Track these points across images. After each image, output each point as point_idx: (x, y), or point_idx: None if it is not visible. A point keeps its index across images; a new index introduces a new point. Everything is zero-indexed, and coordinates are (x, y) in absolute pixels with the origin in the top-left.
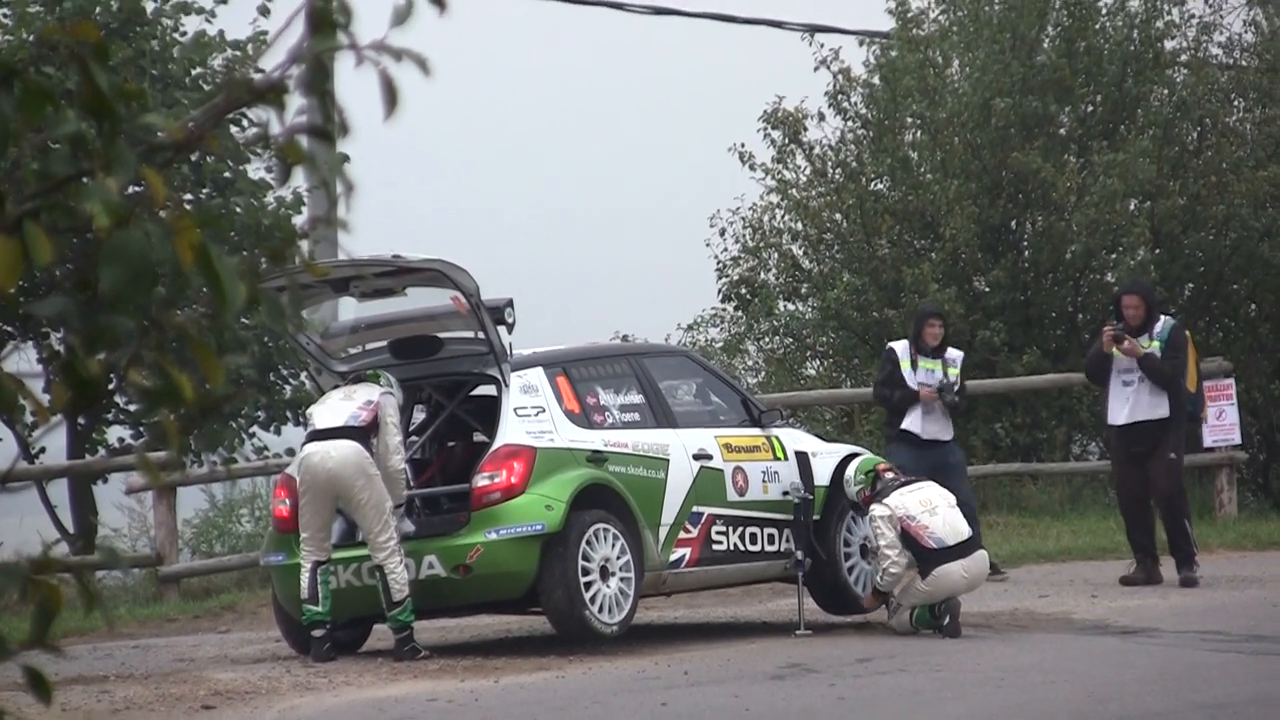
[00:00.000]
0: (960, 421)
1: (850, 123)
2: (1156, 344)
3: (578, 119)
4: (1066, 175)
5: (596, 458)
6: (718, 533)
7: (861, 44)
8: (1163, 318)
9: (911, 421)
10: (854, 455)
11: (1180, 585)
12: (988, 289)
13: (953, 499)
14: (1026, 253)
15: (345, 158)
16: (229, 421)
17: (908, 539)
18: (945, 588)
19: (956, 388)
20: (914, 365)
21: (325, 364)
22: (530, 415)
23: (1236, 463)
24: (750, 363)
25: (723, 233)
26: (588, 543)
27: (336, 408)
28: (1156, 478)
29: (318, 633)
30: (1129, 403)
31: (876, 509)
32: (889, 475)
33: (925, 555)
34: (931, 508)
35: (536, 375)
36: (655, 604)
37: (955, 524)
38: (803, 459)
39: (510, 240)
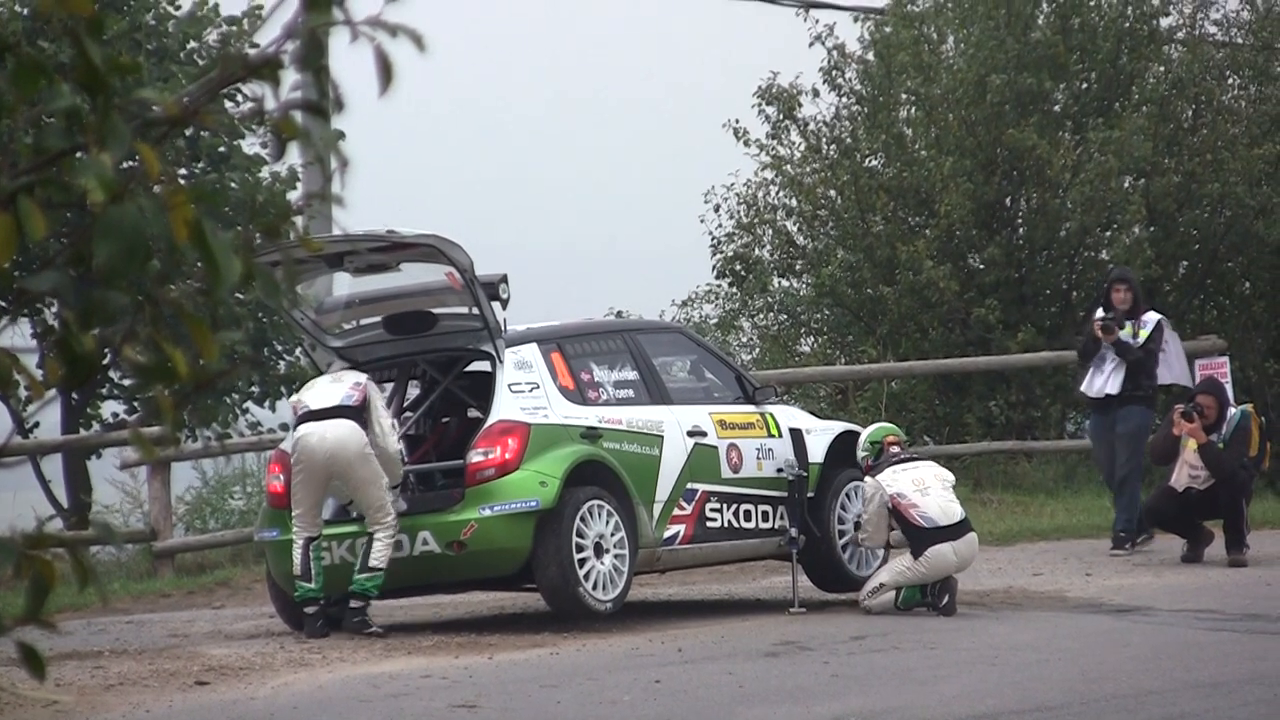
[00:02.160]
0: (961, 400)
1: (845, 99)
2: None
3: (572, 96)
4: (1061, 152)
5: (591, 434)
6: (712, 510)
7: (856, 20)
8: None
9: (1085, 384)
10: (848, 432)
11: (1229, 565)
12: (982, 266)
13: (949, 480)
14: (1021, 230)
15: (340, 133)
16: (223, 397)
17: (898, 517)
18: (937, 568)
19: (1138, 345)
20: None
21: (320, 339)
22: (524, 391)
23: None
24: (745, 339)
25: (717, 209)
26: (582, 519)
27: (327, 390)
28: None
29: (310, 609)
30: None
31: (868, 482)
32: (893, 449)
33: (916, 534)
34: (924, 487)
35: (531, 351)
36: (649, 581)
37: (947, 505)
38: (797, 436)
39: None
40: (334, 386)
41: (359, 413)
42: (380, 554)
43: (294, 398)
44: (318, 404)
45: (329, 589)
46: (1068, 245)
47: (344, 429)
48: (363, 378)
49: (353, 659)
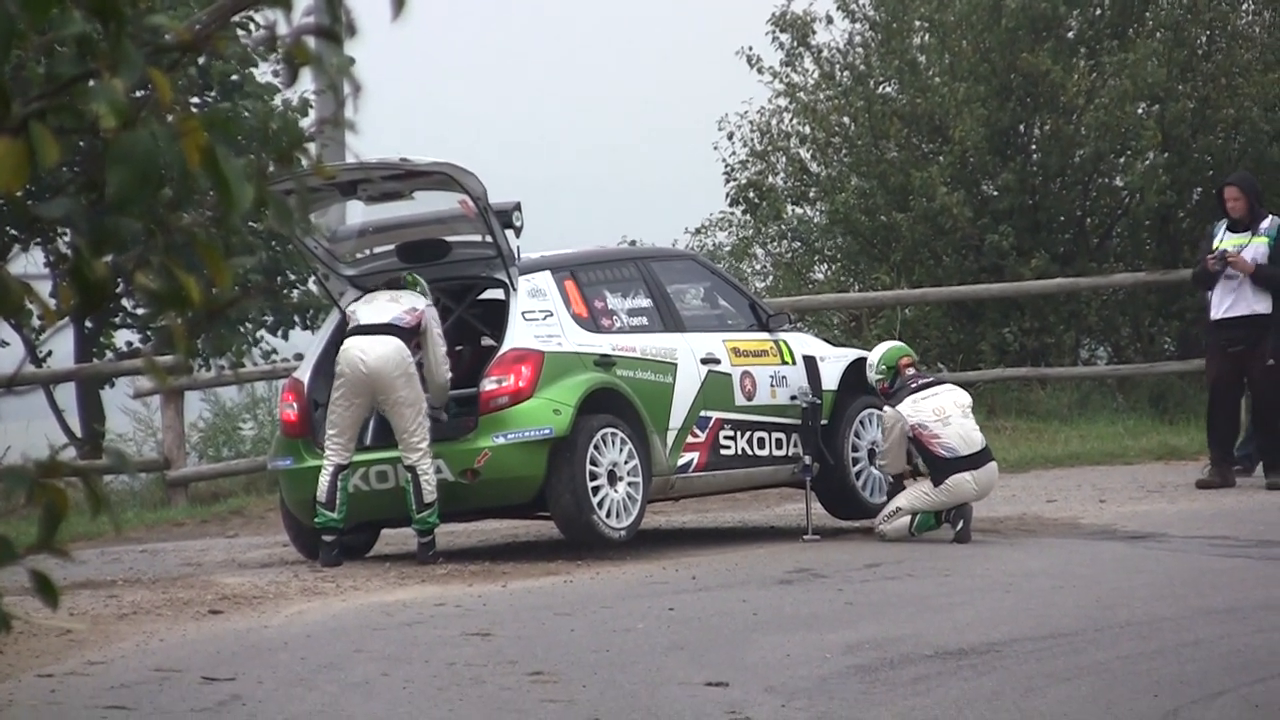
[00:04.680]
0: (975, 327)
1: (859, 25)
2: (1265, 239)
3: (586, 21)
4: (1076, 78)
5: (604, 362)
6: (725, 437)
7: None
8: (1270, 216)
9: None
10: (862, 359)
11: (1267, 489)
12: (996, 193)
13: (968, 404)
14: (1035, 156)
15: (352, 60)
16: (236, 325)
17: (919, 447)
18: (956, 496)
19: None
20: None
21: (333, 268)
22: (538, 319)
23: None
24: (758, 267)
25: (730, 136)
26: (595, 447)
27: (383, 307)
28: (1254, 381)
29: (328, 538)
30: (1231, 296)
31: (888, 412)
32: (910, 371)
33: (937, 463)
34: (944, 416)
35: (544, 279)
36: (663, 509)
37: (968, 433)
38: (811, 363)
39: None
40: (389, 305)
41: (408, 334)
42: (429, 485)
43: (349, 307)
44: (369, 319)
45: (349, 517)
46: (1082, 171)
47: (389, 346)
48: (422, 303)
49: (366, 587)
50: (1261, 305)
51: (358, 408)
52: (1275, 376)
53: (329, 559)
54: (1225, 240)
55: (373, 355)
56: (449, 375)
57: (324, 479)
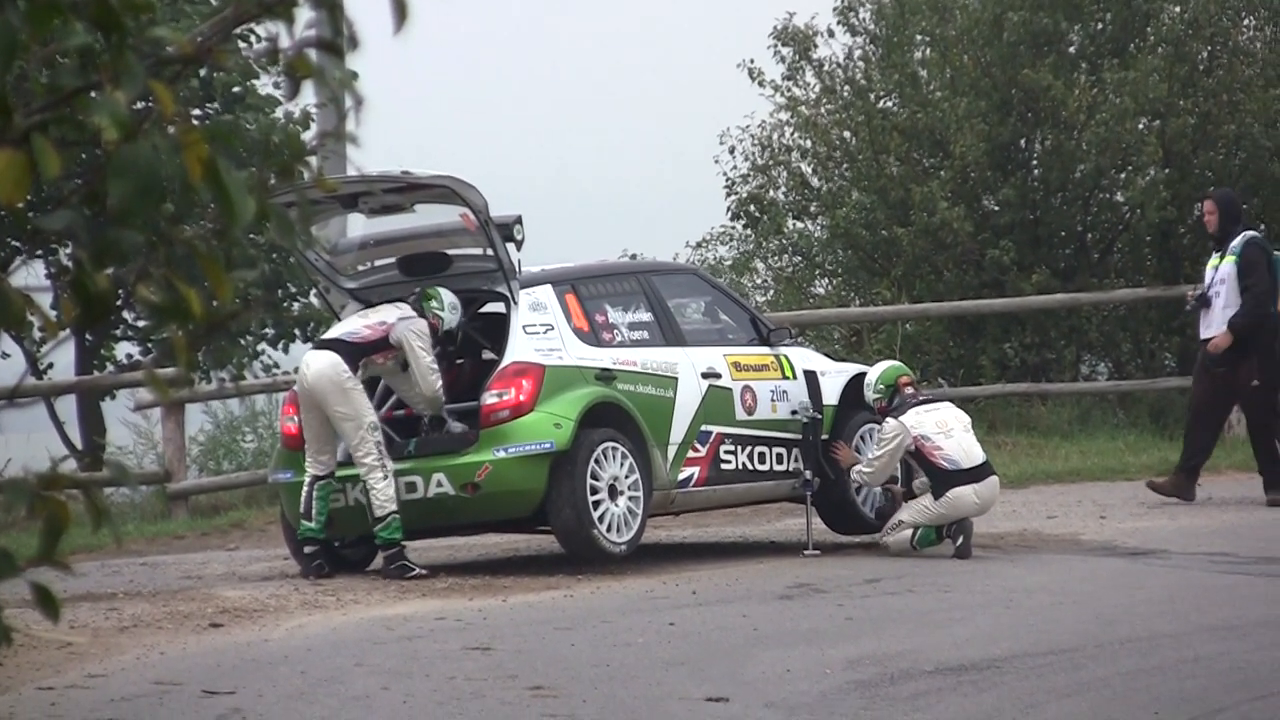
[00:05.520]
0: (976, 342)
1: (859, 39)
2: (1233, 258)
3: (587, 34)
4: (1077, 93)
5: (605, 376)
6: (726, 452)
7: None
8: (1243, 233)
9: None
10: (863, 375)
11: (1268, 505)
12: (997, 208)
13: (968, 422)
14: (1036, 171)
15: (354, 73)
16: (237, 338)
17: (921, 459)
18: (958, 509)
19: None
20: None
21: (334, 280)
22: (539, 333)
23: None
24: (759, 281)
25: (732, 150)
26: (596, 461)
27: (346, 323)
28: (1243, 403)
29: (309, 549)
30: (1208, 317)
31: (891, 423)
32: (908, 390)
33: (939, 476)
34: (947, 429)
35: (545, 293)
36: (663, 523)
37: (969, 447)
38: (811, 378)
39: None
40: (353, 320)
41: (357, 349)
42: (381, 500)
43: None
44: (330, 334)
45: (341, 531)
46: (1083, 187)
47: (324, 361)
48: (393, 317)
49: (367, 601)
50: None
51: (315, 420)
52: (1262, 397)
53: (309, 569)
54: (1209, 261)
55: (311, 370)
56: (437, 386)
57: (303, 490)
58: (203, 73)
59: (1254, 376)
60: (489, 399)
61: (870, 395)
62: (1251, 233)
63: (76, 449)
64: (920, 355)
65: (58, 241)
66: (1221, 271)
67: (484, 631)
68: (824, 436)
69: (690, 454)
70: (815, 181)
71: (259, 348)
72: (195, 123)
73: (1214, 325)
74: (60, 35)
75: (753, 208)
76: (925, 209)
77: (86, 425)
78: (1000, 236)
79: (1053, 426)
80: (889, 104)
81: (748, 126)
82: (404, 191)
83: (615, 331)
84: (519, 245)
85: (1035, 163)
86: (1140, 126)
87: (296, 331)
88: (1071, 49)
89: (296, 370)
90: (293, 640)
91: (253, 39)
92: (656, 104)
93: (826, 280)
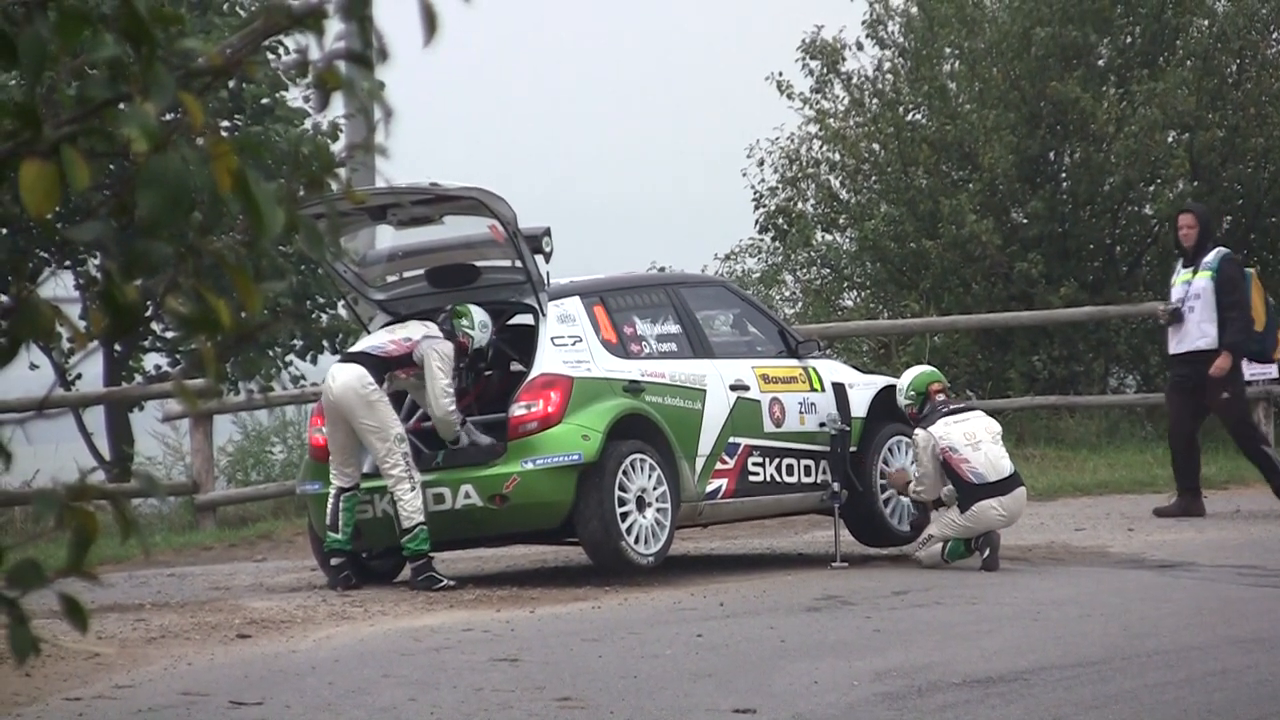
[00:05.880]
0: (1004, 355)
1: (888, 52)
2: (1208, 274)
3: (616, 46)
4: (1105, 106)
5: (633, 388)
6: (754, 464)
7: None
8: (1216, 249)
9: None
10: (891, 387)
11: None
12: (1025, 220)
13: (998, 431)
14: (1065, 184)
15: (383, 84)
16: (266, 350)
17: (948, 470)
18: (983, 523)
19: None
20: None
21: (362, 292)
22: (567, 345)
23: (1274, 397)
24: (787, 293)
25: (761, 163)
26: (624, 473)
27: (373, 337)
28: (1218, 416)
29: (335, 560)
30: (1181, 331)
31: (920, 435)
32: (940, 397)
33: (965, 489)
34: (975, 441)
35: (574, 305)
36: (691, 535)
37: (997, 460)
38: (840, 390)
39: (547, 169)
40: (379, 334)
41: (383, 363)
42: (407, 511)
43: None
44: (356, 348)
45: (369, 542)
46: (1111, 200)
47: (350, 374)
48: (418, 334)
49: (394, 612)
50: (1204, 341)
51: (340, 432)
52: (1234, 408)
53: (335, 581)
54: (1178, 276)
55: (337, 382)
56: (450, 408)
57: (329, 502)
58: (232, 84)
59: (1223, 389)
60: (517, 410)
61: (902, 401)
62: (1224, 249)
63: (105, 460)
64: (948, 368)
65: (87, 252)
66: (1195, 286)
67: (511, 643)
68: (852, 449)
69: (718, 466)
70: (844, 194)
71: (287, 359)
72: (224, 134)
73: (1187, 340)
74: (90, 47)
75: (781, 220)
76: (954, 221)
77: (115, 436)
78: (1029, 249)
79: (1081, 439)
80: (918, 117)
81: (776, 139)
82: (433, 203)
83: (643, 343)
84: (548, 257)
85: (1064, 175)
86: (1169, 140)
87: (325, 343)
88: (1100, 62)
89: (323, 382)
90: (320, 651)
91: (282, 51)
92: (685, 117)
93: (855, 292)
